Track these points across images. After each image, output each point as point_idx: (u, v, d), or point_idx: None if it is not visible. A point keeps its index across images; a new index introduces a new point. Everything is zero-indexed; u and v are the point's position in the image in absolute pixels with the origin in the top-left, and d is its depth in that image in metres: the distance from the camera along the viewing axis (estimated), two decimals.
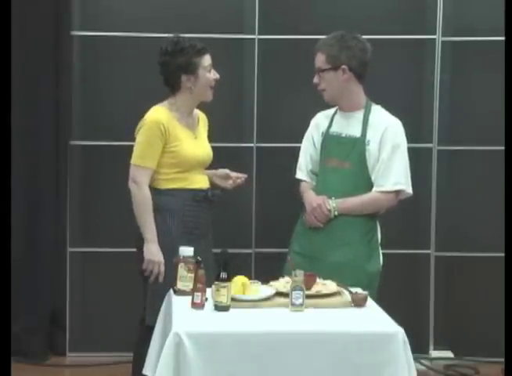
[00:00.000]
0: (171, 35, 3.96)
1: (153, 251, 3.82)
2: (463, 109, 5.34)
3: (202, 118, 4.08)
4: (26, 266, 5.16)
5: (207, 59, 3.90)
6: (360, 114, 3.96)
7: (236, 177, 4.09)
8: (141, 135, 3.87)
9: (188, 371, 2.97)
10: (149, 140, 3.84)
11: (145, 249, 3.83)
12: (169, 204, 3.86)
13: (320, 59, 3.94)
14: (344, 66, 3.89)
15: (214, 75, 3.93)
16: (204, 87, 3.90)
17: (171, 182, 3.88)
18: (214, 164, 4.07)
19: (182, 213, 3.85)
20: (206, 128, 4.10)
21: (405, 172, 3.94)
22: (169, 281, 3.60)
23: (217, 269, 3.30)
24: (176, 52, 3.86)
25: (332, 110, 4.09)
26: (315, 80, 3.97)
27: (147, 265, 3.82)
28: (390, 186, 3.91)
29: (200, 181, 3.93)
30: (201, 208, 3.91)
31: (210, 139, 4.10)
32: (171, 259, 3.60)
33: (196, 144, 3.93)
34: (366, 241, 3.94)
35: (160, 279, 3.80)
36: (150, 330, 3.58)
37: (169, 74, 3.89)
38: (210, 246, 3.98)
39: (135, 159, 3.88)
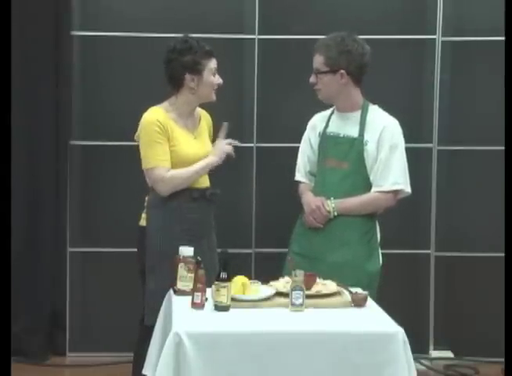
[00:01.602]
0: (173, 35, 3.95)
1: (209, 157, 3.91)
2: (463, 109, 5.35)
3: (205, 118, 4.07)
4: (26, 266, 5.16)
5: (213, 63, 3.90)
6: (357, 114, 3.96)
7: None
8: (142, 139, 3.86)
9: (188, 371, 2.97)
10: (152, 140, 3.82)
11: (215, 158, 3.92)
12: (165, 202, 3.85)
13: (318, 61, 3.93)
14: (342, 71, 3.89)
15: (217, 80, 3.93)
16: (207, 89, 3.90)
17: None
18: None
19: (180, 212, 3.85)
20: (209, 127, 4.09)
21: (404, 172, 3.95)
22: (168, 281, 3.61)
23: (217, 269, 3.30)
24: (184, 51, 3.85)
25: (328, 111, 4.09)
26: (312, 79, 3.97)
27: (220, 161, 3.95)
28: (388, 186, 3.91)
29: (198, 180, 3.92)
30: (201, 208, 3.91)
31: (212, 138, 4.10)
32: (170, 259, 3.61)
33: (195, 144, 3.92)
34: (366, 241, 3.94)
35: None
36: (150, 330, 3.58)
37: (174, 72, 3.87)
38: (214, 246, 3.98)
39: (145, 164, 3.85)
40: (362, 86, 3.98)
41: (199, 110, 4.03)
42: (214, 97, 3.96)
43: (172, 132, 3.84)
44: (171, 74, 3.89)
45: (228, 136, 4.07)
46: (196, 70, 3.85)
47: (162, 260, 3.79)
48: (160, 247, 3.82)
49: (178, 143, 3.85)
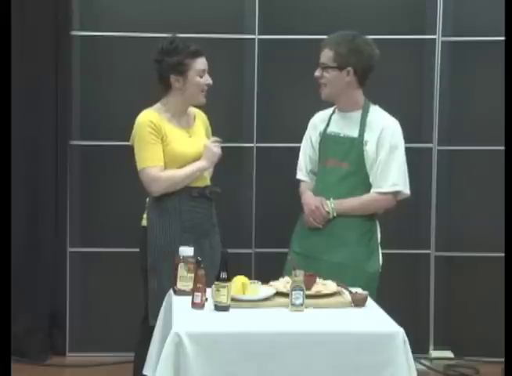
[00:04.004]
0: (169, 35, 3.95)
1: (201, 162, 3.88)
2: (463, 109, 5.34)
3: (199, 116, 4.06)
4: (26, 266, 5.16)
5: (200, 63, 3.87)
6: (358, 114, 3.96)
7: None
8: (136, 141, 3.87)
9: (188, 371, 2.97)
10: (146, 141, 3.83)
11: (206, 163, 3.89)
12: (165, 202, 3.85)
13: (327, 55, 3.90)
14: (349, 69, 3.88)
15: (206, 80, 3.89)
16: (194, 90, 3.88)
17: None
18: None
19: (180, 211, 3.84)
20: (205, 126, 4.08)
21: (403, 173, 3.94)
22: (168, 280, 3.60)
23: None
24: (170, 52, 3.84)
25: (330, 110, 4.09)
26: (317, 73, 3.94)
27: (212, 164, 3.93)
28: (388, 187, 3.91)
29: (197, 178, 3.91)
30: (200, 206, 3.90)
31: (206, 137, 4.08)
32: (171, 259, 3.61)
33: (190, 142, 3.91)
34: (365, 241, 3.94)
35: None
36: (151, 330, 3.58)
37: (161, 73, 3.87)
38: (216, 245, 3.97)
39: (139, 164, 3.87)
40: (365, 87, 3.98)
41: (193, 109, 4.02)
42: (202, 99, 3.93)
43: (166, 131, 3.84)
44: (159, 75, 3.90)
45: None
46: (181, 70, 3.84)
47: (163, 260, 3.80)
48: (161, 247, 3.83)
49: (173, 142, 3.85)
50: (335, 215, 3.91)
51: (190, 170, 3.87)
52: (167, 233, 3.83)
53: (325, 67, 3.91)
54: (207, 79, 3.90)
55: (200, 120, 4.06)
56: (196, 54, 3.86)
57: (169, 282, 3.55)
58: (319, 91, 3.98)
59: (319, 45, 3.96)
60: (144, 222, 3.94)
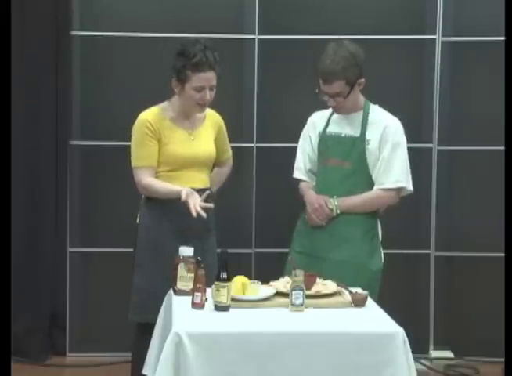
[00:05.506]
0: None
1: (182, 191, 3.66)
2: (462, 109, 5.34)
3: (211, 118, 3.99)
4: (26, 266, 5.16)
5: (198, 78, 3.76)
6: (359, 115, 3.96)
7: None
8: (132, 137, 3.88)
9: (188, 371, 2.97)
10: (139, 140, 3.83)
11: (183, 196, 3.64)
12: (157, 201, 3.84)
13: (339, 85, 3.84)
14: (361, 80, 3.89)
15: (202, 96, 3.78)
16: (188, 101, 3.82)
17: (162, 180, 3.85)
18: None
19: (170, 211, 3.80)
20: (215, 128, 4.01)
21: (406, 170, 3.96)
22: (151, 278, 3.68)
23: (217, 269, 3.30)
24: (178, 54, 3.80)
25: (329, 111, 4.08)
26: (332, 104, 3.91)
27: (183, 198, 3.65)
28: (391, 184, 3.92)
29: (193, 180, 3.86)
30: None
31: (218, 139, 4.06)
32: (157, 257, 3.62)
33: (190, 145, 3.87)
34: (368, 239, 3.95)
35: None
36: (145, 329, 3.60)
37: (172, 71, 3.84)
38: (211, 247, 3.95)
39: (132, 162, 3.88)
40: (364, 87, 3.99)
41: (206, 110, 3.95)
42: (196, 111, 3.87)
43: (165, 132, 3.82)
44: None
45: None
46: (180, 78, 3.79)
47: (150, 258, 3.82)
48: (149, 246, 3.84)
49: (171, 143, 3.83)
50: (338, 212, 3.92)
51: (168, 190, 3.77)
52: (157, 233, 3.84)
53: (344, 96, 3.87)
54: (204, 95, 3.79)
55: (211, 121, 4.00)
56: (197, 68, 3.75)
57: (153, 281, 3.61)
58: (336, 109, 3.95)
59: (323, 78, 3.84)
60: (138, 220, 3.94)
